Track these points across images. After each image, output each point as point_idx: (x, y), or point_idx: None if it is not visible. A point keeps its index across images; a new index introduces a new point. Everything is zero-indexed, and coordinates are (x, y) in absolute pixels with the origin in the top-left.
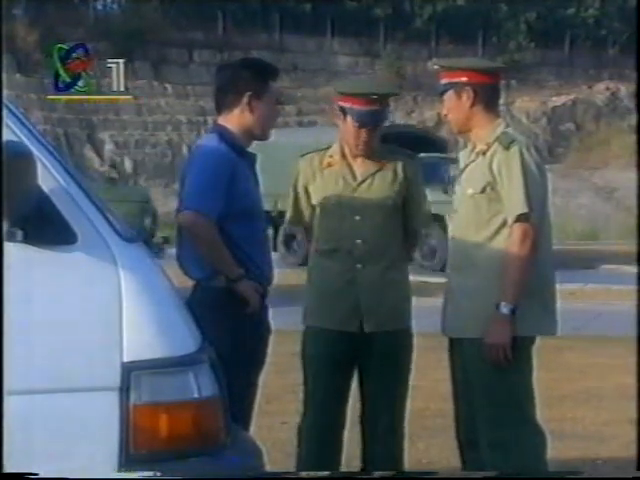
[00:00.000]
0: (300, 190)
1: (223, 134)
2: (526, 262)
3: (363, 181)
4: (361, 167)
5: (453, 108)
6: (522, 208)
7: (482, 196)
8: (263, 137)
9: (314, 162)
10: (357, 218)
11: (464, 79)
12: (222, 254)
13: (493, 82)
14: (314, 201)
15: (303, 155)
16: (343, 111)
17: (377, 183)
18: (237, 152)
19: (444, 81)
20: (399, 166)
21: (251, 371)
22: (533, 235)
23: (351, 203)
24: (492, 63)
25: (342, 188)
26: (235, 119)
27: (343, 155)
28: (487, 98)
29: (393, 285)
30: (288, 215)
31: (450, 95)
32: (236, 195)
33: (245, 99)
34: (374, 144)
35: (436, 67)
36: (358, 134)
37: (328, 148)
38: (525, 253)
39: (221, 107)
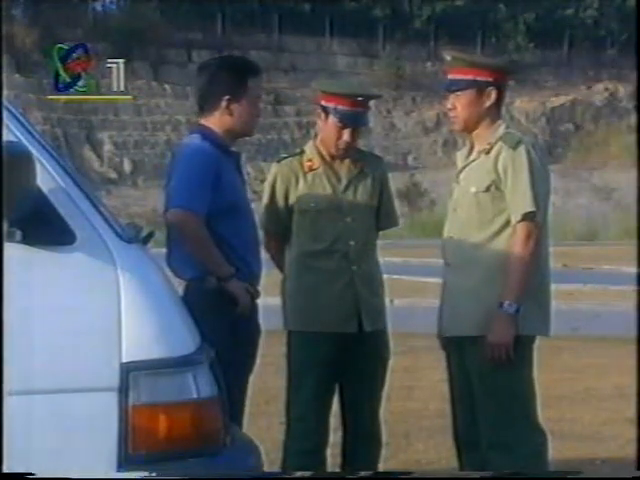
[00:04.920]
0: (279, 195)
1: (206, 134)
2: (530, 261)
3: (348, 184)
4: (343, 169)
5: (469, 106)
6: (529, 207)
7: (486, 194)
8: (247, 134)
9: (294, 167)
10: (348, 220)
11: (490, 79)
12: (212, 252)
13: (507, 83)
14: (298, 205)
15: (279, 160)
16: (325, 111)
17: (361, 185)
18: (221, 150)
19: (467, 77)
20: (373, 168)
21: (242, 371)
22: (537, 234)
23: (340, 206)
24: (513, 63)
25: (330, 191)
26: (216, 121)
27: (322, 158)
28: (502, 99)
29: (380, 284)
30: (263, 219)
31: (470, 93)
32: (222, 192)
33: (224, 103)
34: (354, 146)
35: (448, 58)
36: (340, 135)
37: (302, 152)
38: (529, 252)
39: (202, 108)
